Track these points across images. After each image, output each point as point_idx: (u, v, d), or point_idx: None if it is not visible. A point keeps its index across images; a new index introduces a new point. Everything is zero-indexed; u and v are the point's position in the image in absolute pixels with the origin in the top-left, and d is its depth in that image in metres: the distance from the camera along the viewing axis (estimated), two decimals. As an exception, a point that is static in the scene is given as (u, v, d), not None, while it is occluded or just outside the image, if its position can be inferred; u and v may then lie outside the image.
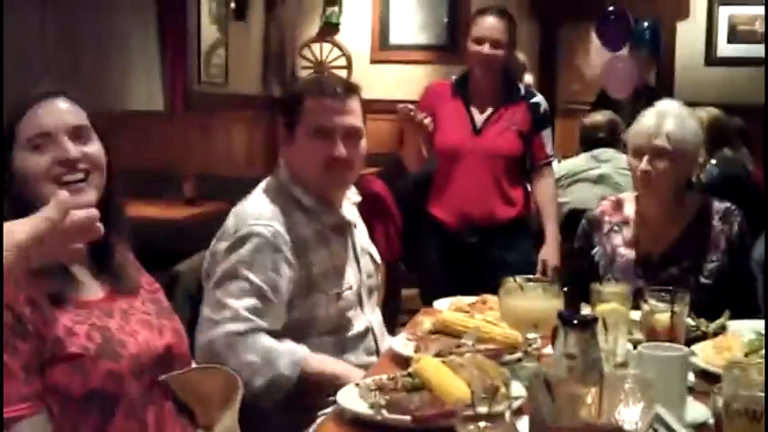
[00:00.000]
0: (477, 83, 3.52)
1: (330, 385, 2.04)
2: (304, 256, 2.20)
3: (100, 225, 1.34)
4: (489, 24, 3.45)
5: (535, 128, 3.51)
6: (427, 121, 3.20)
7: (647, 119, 2.56)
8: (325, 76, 2.52)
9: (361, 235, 2.44)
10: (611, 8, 6.36)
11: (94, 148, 1.70)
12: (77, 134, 1.68)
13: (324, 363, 2.16)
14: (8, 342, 1.49)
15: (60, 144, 1.65)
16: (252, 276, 2.12)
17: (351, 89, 2.30)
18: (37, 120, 1.65)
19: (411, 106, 3.23)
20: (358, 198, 2.42)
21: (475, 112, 3.51)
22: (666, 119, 2.53)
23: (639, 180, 2.57)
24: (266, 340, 2.11)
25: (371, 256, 2.45)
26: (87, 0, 5.70)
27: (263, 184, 2.31)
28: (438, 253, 3.57)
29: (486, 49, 3.43)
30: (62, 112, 1.68)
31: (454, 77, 3.65)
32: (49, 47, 5.37)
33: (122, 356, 1.60)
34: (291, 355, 2.11)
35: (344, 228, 2.34)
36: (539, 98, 3.57)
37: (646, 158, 2.52)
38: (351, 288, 2.29)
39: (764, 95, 4.49)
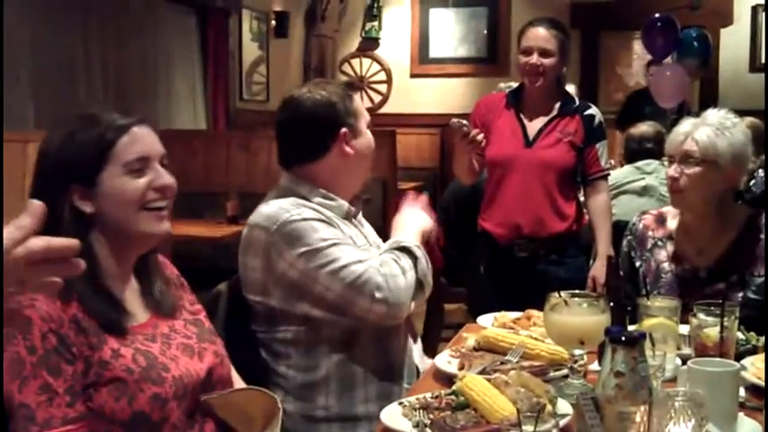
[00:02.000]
0: (530, 94, 3.49)
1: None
2: None
3: (80, 261, 1.10)
4: (537, 34, 3.42)
5: (589, 140, 3.45)
6: (480, 136, 3.18)
7: (684, 126, 2.51)
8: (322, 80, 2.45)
9: (369, 231, 2.42)
10: (657, 16, 6.25)
11: (172, 176, 1.72)
12: (164, 161, 1.71)
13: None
14: (52, 363, 1.50)
15: (155, 170, 1.68)
16: (328, 235, 2.12)
17: None
18: (136, 144, 1.66)
19: (464, 121, 3.20)
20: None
21: (528, 123, 3.47)
22: (701, 127, 2.46)
23: (669, 187, 2.53)
24: (373, 275, 2.10)
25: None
26: (132, 22, 5.79)
27: (266, 198, 2.26)
28: (487, 267, 3.54)
29: (533, 58, 3.40)
30: (153, 137, 1.71)
31: (508, 89, 3.61)
32: (94, 68, 5.45)
33: (166, 380, 1.61)
34: (383, 262, 2.13)
35: (351, 216, 2.31)
36: (593, 110, 3.52)
37: (675, 165, 2.49)
38: None
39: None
